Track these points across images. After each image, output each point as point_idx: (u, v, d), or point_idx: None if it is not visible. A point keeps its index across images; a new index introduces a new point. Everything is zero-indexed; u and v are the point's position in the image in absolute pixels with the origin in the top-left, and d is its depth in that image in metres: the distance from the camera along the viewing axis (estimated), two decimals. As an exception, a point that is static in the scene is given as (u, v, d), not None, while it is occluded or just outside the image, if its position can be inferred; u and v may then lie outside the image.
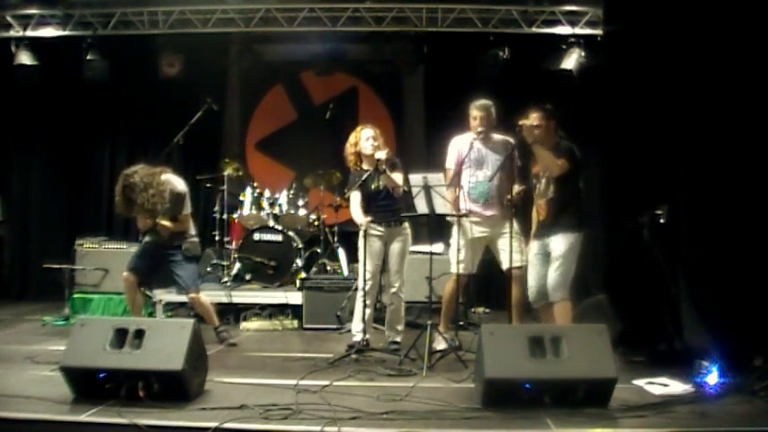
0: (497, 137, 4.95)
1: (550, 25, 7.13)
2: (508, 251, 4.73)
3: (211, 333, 5.17)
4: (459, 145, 5.01)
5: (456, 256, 4.80)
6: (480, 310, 6.90)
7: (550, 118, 4.59)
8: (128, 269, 5.05)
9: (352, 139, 5.10)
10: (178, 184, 5.02)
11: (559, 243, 4.47)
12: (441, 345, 4.78)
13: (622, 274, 5.35)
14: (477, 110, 4.91)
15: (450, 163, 5.02)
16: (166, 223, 4.97)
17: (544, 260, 4.58)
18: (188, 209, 5.07)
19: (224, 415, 3.20)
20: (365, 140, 5.01)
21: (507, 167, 4.86)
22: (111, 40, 7.37)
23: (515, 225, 4.84)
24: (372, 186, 4.96)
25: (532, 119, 4.54)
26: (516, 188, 4.80)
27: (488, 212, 4.91)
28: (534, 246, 4.67)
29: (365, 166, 5.01)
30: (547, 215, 4.60)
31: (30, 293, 7.91)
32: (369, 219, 4.90)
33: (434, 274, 4.90)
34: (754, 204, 4.13)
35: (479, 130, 4.87)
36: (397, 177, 4.84)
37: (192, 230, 5.18)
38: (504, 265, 4.81)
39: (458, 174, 4.91)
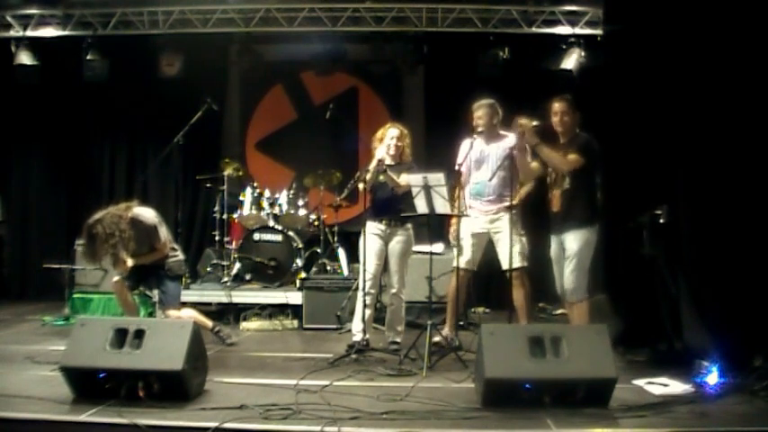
0: (503, 134, 4.97)
1: (550, 25, 7.13)
2: (503, 253, 4.81)
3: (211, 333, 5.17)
4: (467, 146, 5.05)
5: (457, 252, 4.86)
6: (480, 310, 6.90)
7: (573, 108, 4.57)
8: (117, 275, 5.02)
9: (378, 134, 5.11)
10: (148, 217, 4.91)
11: (572, 241, 4.47)
12: (436, 337, 4.78)
13: (622, 274, 5.35)
14: (479, 109, 4.98)
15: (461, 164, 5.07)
16: (131, 262, 4.89)
17: (563, 256, 4.57)
18: (163, 236, 4.96)
19: (224, 415, 3.20)
20: (390, 139, 5.02)
21: (509, 166, 4.88)
22: (111, 40, 7.37)
23: (518, 227, 4.92)
24: (380, 178, 4.91)
25: (557, 108, 4.56)
26: (522, 192, 4.98)
27: (487, 208, 4.96)
28: (552, 242, 4.67)
29: (388, 161, 4.98)
30: (560, 207, 4.58)
31: (30, 293, 7.92)
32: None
33: (434, 274, 4.91)
34: (753, 204, 4.13)
35: (479, 129, 4.90)
36: (405, 179, 4.82)
37: (174, 251, 5.12)
38: (504, 266, 4.84)
39: (462, 173, 5.00)
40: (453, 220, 5.03)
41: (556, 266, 4.66)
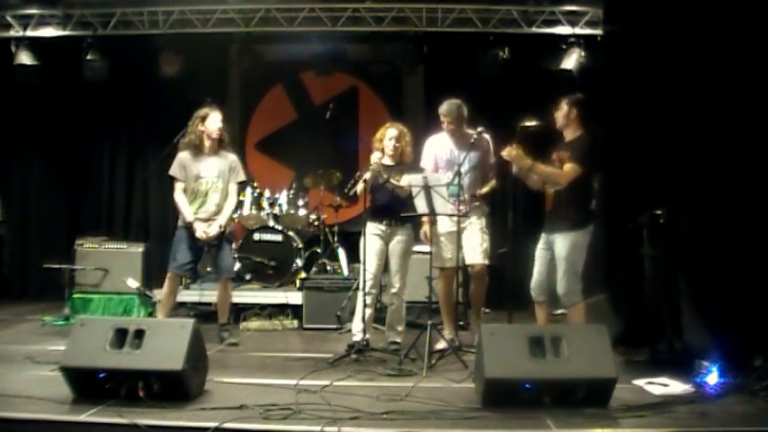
0: (470, 132, 4.93)
1: (550, 25, 7.13)
2: (470, 247, 4.93)
3: (211, 333, 5.17)
4: (434, 146, 5.11)
5: (452, 253, 4.88)
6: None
7: (573, 106, 4.49)
8: (174, 269, 5.15)
9: (378, 134, 5.12)
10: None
11: (560, 244, 4.40)
12: (440, 344, 4.79)
13: (622, 274, 5.35)
14: (447, 113, 4.99)
15: (426, 163, 5.10)
16: (215, 230, 5.12)
17: (548, 254, 4.51)
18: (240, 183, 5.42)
19: (224, 415, 3.20)
20: (388, 139, 5.02)
21: (481, 165, 5.02)
22: (111, 40, 7.37)
23: (483, 223, 5.03)
24: (379, 180, 4.91)
25: (555, 106, 4.53)
26: (486, 188, 5.04)
27: (459, 208, 4.87)
28: (541, 239, 4.60)
29: (388, 162, 4.99)
30: (552, 206, 4.54)
31: (30, 293, 7.90)
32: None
33: (434, 274, 4.92)
34: (753, 204, 4.13)
35: (451, 128, 4.96)
36: (406, 180, 4.81)
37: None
38: (467, 261, 4.96)
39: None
40: (425, 219, 4.99)
41: (537, 262, 4.58)
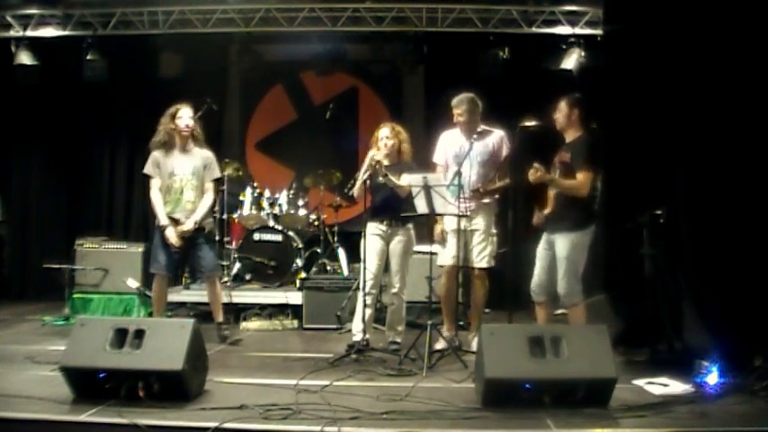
0: (484, 129, 4.91)
1: (550, 25, 7.13)
2: (475, 250, 4.91)
3: (211, 333, 5.17)
4: (446, 140, 5.11)
5: (455, 251, 4.86)
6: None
7: (573, 106, 4.47)
8: (158, 270, 5.13)
9: (374, 136, 5.11)
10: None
11: (561, 245, 4.40)
12: (440, 344, 4.79)
13: (622, 274, 5.35)
14: (459, 105, 4.96)
15: (438, 158, 5.12)
16: (189, 226, 5.06)
17: (549, 255, 4.50)
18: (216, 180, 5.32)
19: (224, 415, 3.20)
20: (381, 140, 5.02)
21: (491, 161, 4.97)
22: (110, 40, 7.37)
23: (491, 223, 4.98)
24: (379, 178, 4.88)
25: (555, 107, 4.52)
26: (499, 184, 4.96)
27: (465, 205, 4.84)
28: (542, 239, 4.59)
29: (386, 162, 4.97)
30: (553, 208, 4.52)
31: (30, 293, 7.91)
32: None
33: (434, 274, 4.91)
34: (753, 204, 4.13)
35: (461, 120, 4.94)
36: (406, 180, 4.80)
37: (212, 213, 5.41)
38: (470, 263, 4.93)
39: (439, 167, 5.03)
40: (438, 219, 4.98)
41: (539, 263, 4.57)
